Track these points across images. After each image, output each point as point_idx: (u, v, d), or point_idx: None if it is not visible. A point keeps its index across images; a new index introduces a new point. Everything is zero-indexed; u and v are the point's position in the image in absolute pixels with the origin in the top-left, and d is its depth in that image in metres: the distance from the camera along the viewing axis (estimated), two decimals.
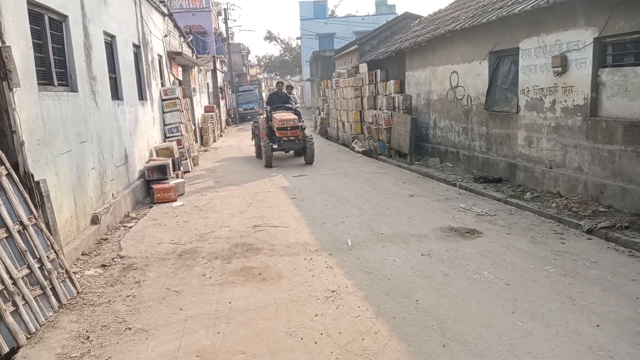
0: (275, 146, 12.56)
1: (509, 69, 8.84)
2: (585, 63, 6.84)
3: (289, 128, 12.27)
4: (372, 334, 3.74)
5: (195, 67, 19.12)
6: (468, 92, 10.11)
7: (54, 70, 5.81)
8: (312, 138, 12.69)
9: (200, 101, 20.36)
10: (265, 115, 13.51)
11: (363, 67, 15.71)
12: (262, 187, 9.95)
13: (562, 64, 7.18)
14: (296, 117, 12.65)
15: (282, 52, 54.38)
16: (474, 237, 6.02)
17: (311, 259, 5.48)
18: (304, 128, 12.80)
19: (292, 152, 13.92)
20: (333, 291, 4.56)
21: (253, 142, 15.16)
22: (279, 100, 13.58)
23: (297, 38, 45.68)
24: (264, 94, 52.35)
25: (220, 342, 3.73)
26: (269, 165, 12.40)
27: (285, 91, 14.00)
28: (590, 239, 5.78)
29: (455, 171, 10.25)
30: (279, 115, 12.56)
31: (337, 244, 5.98)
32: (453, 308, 4.13)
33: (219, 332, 3.88)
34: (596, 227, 5.88)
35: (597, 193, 6.73)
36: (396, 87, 13.49)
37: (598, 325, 3.73)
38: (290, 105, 13.39)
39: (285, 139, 12.45)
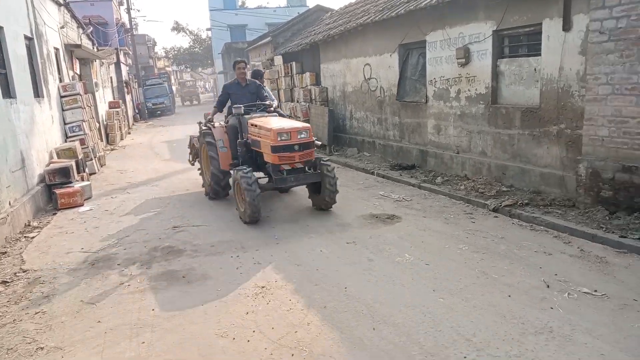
0: (263, 180, 6.91)
1: (417, 61, 9.27)
2: (486, 54, 7.37)
3: (296, 147, 6.31)
4: (304, 326, 3.76)
5: (97, 60, 17.79)
6: (381, 84, 10.46)
7: None
8: (328, 160, 6.94)
9: (104, 96, 19.00)
10: (227, 123, 7.58)
11: (278, 60, 15.65)
12: (178, 185, 9.55)
13: (465, 56, 7.67)
14: (308, 125, 6.59)
15: (191, 43, 52.41)
16: (394, 222, 6.28)
17: (237, 256, 5.37)
18: (318, 145, 6.85)
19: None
20: (263, 287, 4.51)
21: (187, 152, 9.50)
22: (244, 95, 7.52)
23: (207, 29, 44.26)
24: (174, 87, 50.04)
25: (146, 352, 3.53)
26: (254, 219, 6.38)
27: (252, 78, 8.13)
28: (497, 216, 6.28)
29: (373, 160, 10.59)
30: (273, 123, 6.52)
31: (263, 239, 5.92)
32: (380, 292, 4.28)
33: (143, 342, 3.67)
34: (501, 205, 6.40)
35: (500, 174, 7.32)
36: (312, 79, 13.60)
37: (509, 296, 4.07)
38: (267, 104, 7.56)
39: (288, 167, 6.46)
